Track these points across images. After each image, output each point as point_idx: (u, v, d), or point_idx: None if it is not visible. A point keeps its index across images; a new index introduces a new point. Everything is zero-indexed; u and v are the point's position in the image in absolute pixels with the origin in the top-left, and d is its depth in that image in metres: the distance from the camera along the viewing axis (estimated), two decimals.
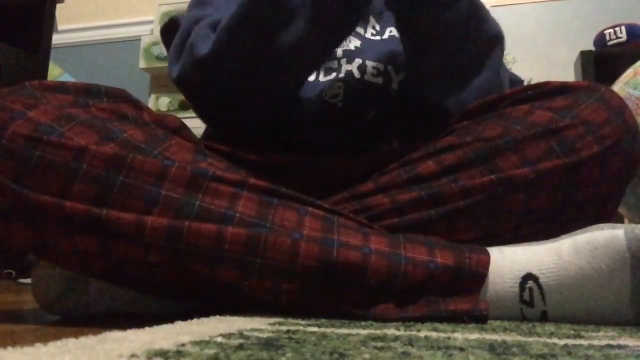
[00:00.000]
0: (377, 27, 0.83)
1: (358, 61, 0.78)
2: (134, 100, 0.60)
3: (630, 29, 1.92)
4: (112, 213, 0.51)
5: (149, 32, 2.59)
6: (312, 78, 0.77)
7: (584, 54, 1.95)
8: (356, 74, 0.77)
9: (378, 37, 0.82)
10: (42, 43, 1.68)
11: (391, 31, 0.82)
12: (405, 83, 0.79)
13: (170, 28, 0.77)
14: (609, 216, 0.65)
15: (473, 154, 0.62)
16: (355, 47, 0.80)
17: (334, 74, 0.78)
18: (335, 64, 0.78)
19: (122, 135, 0.54)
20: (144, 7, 2.64)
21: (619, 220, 1.32)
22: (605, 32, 1.97)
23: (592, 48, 1.99)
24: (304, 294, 0.53)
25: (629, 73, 1.11)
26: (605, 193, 0.62)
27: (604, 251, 0.52)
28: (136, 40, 2.54)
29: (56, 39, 1.97)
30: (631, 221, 1.12)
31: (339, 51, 0.79)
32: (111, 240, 0.52)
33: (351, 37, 0.80)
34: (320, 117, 0.76)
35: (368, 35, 0.82)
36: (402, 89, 0.78)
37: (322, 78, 0.78)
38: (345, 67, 0.78)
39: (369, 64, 0.78)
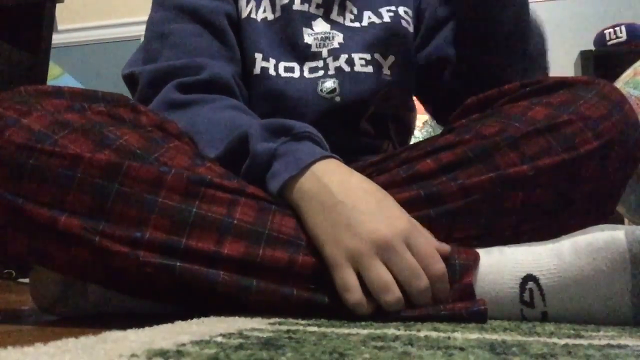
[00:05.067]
0: (355, 11, 0.84)
1: (344, 56, 0.79)
2: (132, 104, 0.60)
3: (630, 29, 1.92)
4: (105, 241, 0.50)
5: None
6: (297, 75, 0.78)
7: (584, 54, 1.95)
8: (346, 68, 0.78)
9: (357, 24, 0.83)
10: (42, 43, 1.68)
11: (370, 17, 0.84)
12: (396, 67, 0.80)
13: (133, 79, 0.75)
14: (610, 212, 0.65)
15: (472, 151, 0.62)
16: (339, 43, 0.80)
17: (321, 72, 0.79)
18: (320, 63, 0.79)
19: (117, 142, 0.53)
20: (144, 7, 2.63)
21: (619, 220, 1.32)
22: (605, 32, 1.96)
23: (592, 48, 1.99)
24: (302, 302, 0.53)
25: (629, 73, 1.11)
26: (605, 188, 0.62)
27: (605, 252, 0.52)
28: (136, 40, 2.54)
29: (56, 39, 1.97)
30: (631, 221, 1.12)
31: (324, 51, 0.79)
32: (107, 257, 0.51)
33: (334, 32, 0.81)
34: (321, 115, 0.76)
35: (347, 22, 0.83)
36: (393, 73, 0.80)
37: (307, 75, 0.78)
38: (333, 64, 0.79)
39: (356, 56, 0.79)
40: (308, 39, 0.79)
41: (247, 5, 0.80)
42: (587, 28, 2.15)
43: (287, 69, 0.78)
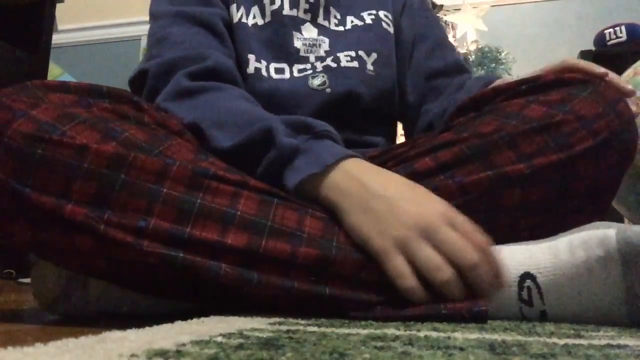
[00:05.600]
0: (338, 16, 0.88)
1: (330, 57, 0.83)
2: (136, 100, 0.61)
3: (630, 29, 1.93)
4: (109, 230, 0.50)
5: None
6: (287, 76, 0.81)
7: (583, 54, 1.95)
8: (332, 65, 0.83)
9: (342, 28, 0.87)
10: (42, 43, 1.68)
11: (352, 21, 0.88)
12: (378, 64, 0.85)
13: (140, 79, 0.76)
14: (605, 207, 0.65)
15: (469, 149, 0.62)
16: (325, 51, 0.84)
17: (309, 71, 0.82)
18: (308, 65, 0.83)
19: (123, 135, 0.54)
20: (144, 7, 2.63)
21: (619, 220, 1.32)
22: (605, 32, 1.97)
23: (592, 48, 1.99)
24: (302, 295, 0.53)
25: (629, 73, 1.11)
26: (600, 185, 0.63)
27: (597, 251, 0.52)
28: (136, 40, 2.54)
29: (56, 39, 1.97)
30: (631, 221, 1.12)
31: (312, 56, 0.83)
32: (110, 246, 0.51)
33: (321, 39, 0.85)
34: (314, 108, 0.79)
35: (332, 26, 0.87)
36: (376, 69, 0.85)
37: (296, 74, 0.81)
38: (321, 65, 0.83)
39: (341, 54, 0.84)
40: (297, 43, 0.83)
41: (237, 11, 0.83)
42: (587, 28, 2.15)
43: (277, 70, 0.81)
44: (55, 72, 2.34)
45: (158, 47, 0.77)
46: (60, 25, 2.63)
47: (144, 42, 2.53)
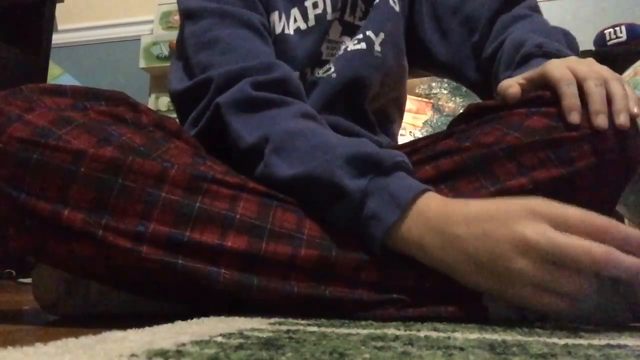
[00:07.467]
0: (363, 8, 0.84)
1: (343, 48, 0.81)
2: (133, 102, 0.60)
3: (630, 29, 1.92)
4: (108, 235, 0.50)
5: (149, 32, 2.58)
6: (308, 80, 0.78)
7: (583, 54, 1.95)
8: (340, 52, 0.80)
9: (364, 22, 0.83)
10: (42, 43, 1.68)
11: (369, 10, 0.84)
12: (386, 45, 0.82)
13: (200, 90, 0.68)
14: (609, 213, 0.65)
15: (470, 159, 0.62)
16: (343, 49, 0.81)
17: (326, 73, 0.79)
18: (326, 67, 0.80)
19: (120, 139, 0.53)
20: (144, 7, 2.64)
21: (620, 220, 1.31)
22: (605, 32, 1.96)
23: (592, 48, 1.99)
24: (302, 299, 0.53)
25: (629, 73, 1.11)
26: (603, 195, 0.62)
27: None
28: (136, 40, 2.54)
29: (56, 39, 1.97)
30: (631, 221, 1.12)
31: (332, 59, 0.80)
32: (109, 252, 0.51)
33: (342, 39, 0.82)
34: (323, 96, 0.76)
35: (357, 21, 0.83)
36: (384, 51, 0.81)
37: (309, 76, 0.79)
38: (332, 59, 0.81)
39: (350, 43, 0.81)
40: (323, 46, 0.80)
41: (280, 21, 0.78)
42: (587, 28, 2.15)
43: (299, 76, 0.76)
44: (55, 72, 2.34)
45: (207, 53, 0.70)
46: (60, 25, 2.63)
47: (143, 42, 2.51)
